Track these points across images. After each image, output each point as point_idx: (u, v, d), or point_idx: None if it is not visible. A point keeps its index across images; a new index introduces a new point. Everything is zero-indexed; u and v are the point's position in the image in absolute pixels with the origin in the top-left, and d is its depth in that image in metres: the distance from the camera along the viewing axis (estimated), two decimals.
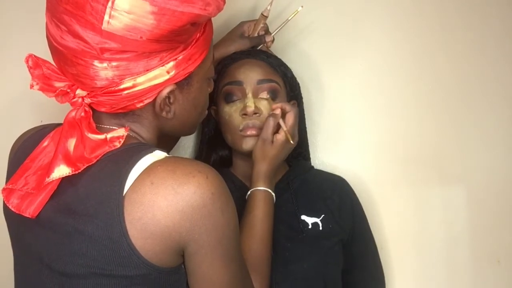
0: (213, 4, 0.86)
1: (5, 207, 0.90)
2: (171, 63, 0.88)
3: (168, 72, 0.88)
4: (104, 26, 0.81)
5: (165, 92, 0.89)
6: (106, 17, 0.80)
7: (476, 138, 1.49)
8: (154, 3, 0.81)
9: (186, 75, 0.91)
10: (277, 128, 1.16)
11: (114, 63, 0.84)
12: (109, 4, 0.80)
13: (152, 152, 0.87)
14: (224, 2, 0.90)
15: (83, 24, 0.81)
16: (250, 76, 1.22)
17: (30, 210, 0.86)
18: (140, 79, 0.86)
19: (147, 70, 0.86)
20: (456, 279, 1.48)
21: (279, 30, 1.36)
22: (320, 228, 1.21)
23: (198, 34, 0.91)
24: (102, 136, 0.87)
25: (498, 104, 1.49)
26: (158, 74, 0.87)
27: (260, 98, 1.22)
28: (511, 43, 1.50)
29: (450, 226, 1.48)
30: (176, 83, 0.90)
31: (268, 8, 1.31)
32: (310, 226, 1.21)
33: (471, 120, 1.49)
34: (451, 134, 1.49)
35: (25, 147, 0.96)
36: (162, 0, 0.81)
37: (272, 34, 1.34)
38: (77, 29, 0.82)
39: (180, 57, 0.89)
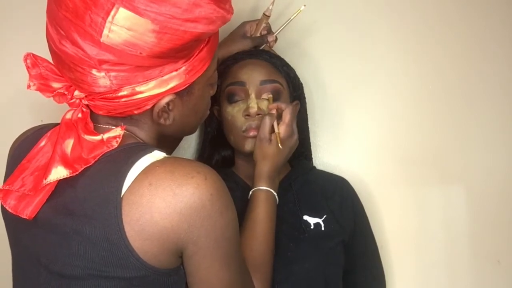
0: (218, 21, 0.82)
1: (3, 208, 0.87)
2: (172, 74, 0.84)
3: (168, 83, 0.84)
4: (103, 39, 0.77)
5: (164, 102, 0.86)
6: (105, 31, 0.77)
7: (476, 138, 1.47)
8: (155, 22, 0.77)
9: (187, 85, 0.87)
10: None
11: (112, 74, 0.80)
12: (109, 18, 0.76)
13: (150, 152, 0.84)
14: (232, 14, 0.85)
15: (82, 34, 0.78)
16: (253, 76, 1.20)
17: (28, 212, 0.83)
18: (139, 89, 0.83)
19: (147, 80, 0.82)
20: (456, 279, 1.45)
21: (282, 29, 1.33)
22: (322, 229, 1.18)
23: (202, 45, 0.87)
24: (98, 137, 0.84)
25: (498, 104, 1.47)
26: (158, 85, 0.83)
27: (263, 98, 1.19)
28: (511, 43, 1.47)
29: (450, 226, 1.46)
30: (175, 92, 0.86)
31: (270, 8, 1.28)
32: (312, 227, 1.18)
33: (471, 120, 1.47)
34: (451, 134, 1.47)
35: (22, 148, 0.93)
36: (164, 19, 0.77)
37: (275, 34, 1.30)
38: (76, 38, 0.78)
39: (182, 69, 0.85)
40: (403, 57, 1.46)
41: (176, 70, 0.84)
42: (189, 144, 1.45)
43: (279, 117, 1.15)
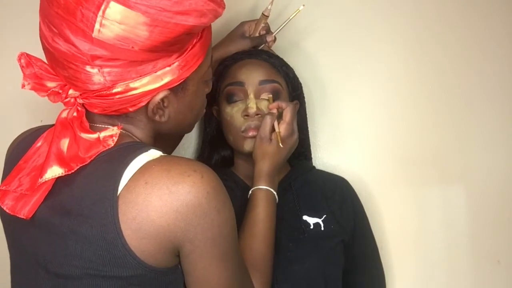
0: (209, 14, 0.82)
1: (0, 209, 0.86)
2: (165, 69, 0.83)
3: (162, 79, 0.83)
4: (95, 34, 0.77)
5: (158, 98, 0.85)
6: (97, 26, 0.76)
7: (476, 138, 1.46)
8: (146, 14, 0.76)
9: (181, 80, 0.86)
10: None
11: (105, 69, 0.80)
12: (100, 13, 0.75)
13: (147, 151, 0.83)
14: (224, 8, 0.84)
15: (74, 30, 0.77)
16: (252, 76, 1.19)
17: (25, 211, 0.83)
18: (133, 85, 0.82)
19: (140, 76, 0.82)
20: (456, 279, 1.44)
21: (281, 29, 1.32)
22: (322, 229, 1.17)
23: (195, 40, 0.87)
24: (95, 135, 0.83)
25: (498, 104, 1.46)
26: (151, 80, 0.83)
27: (262, 98, 1.18)
28: (511, 43, 1.46)
29: (450, 226, 1.45)
30: (170, 89, 0.86)
31: (269, 8, 1.27)
32: (311, 227, 1.17)
33: (471, 120, 1.46)
34: (451, 134, 1.46)
35: (19, 148, 0.93)
36: (154, 11, 0.76)
37: (274, 34, 1.29)
38: (68, 34, 0.78)
39: (175, 64, 0.84)
40: (403, 57, 1.45)
41: (169, 66, 0.83)
42: (189, 144, 1.44)
43: (279, 116, 1.14)
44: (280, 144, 1.10)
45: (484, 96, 1.45)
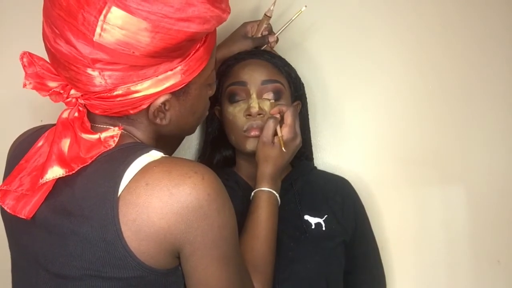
0: (212, 20, 0.80)
1: (1, 209, 0.87)
2: (168, 73, 0.82)
3: (163, 83, 0.82)
4: (96, 38, 0.75)
5: (159, 102, 0.84)
6: (98, 30, 0.75)
7: (476, 138, 1.45)
8: (148, 21, 0.75)
9: (183, 85, 0.85)
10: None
11: (106, 73, 0.79)
12: (101, 17, 0.74)
13: (148, 152, 0.82)
14: (229, 13, 0.82)
15: (75, 33, 0.76)
16: (254, 76, 1.18)
17: (25, 211, 0.82)
18: (134, 88, 0.81)
19: (142, 80, 0.81)
20: (456, 279, 1.43)
21: (283, 30, 1.31)
22: (323, 229, 1.16)
23: (199, 45, 0.85)
24: (95, 136, 0.82)
25: (498, 104, 1.45)
26: (153, 84, 0.82)
27: (264, 98, 1.17)
28: (511, 43, 1.45)
29: (450, 226, 1.44)
30: (171, 92, 0.84)
31: (271, 8, 1.26)
32: (313, 227, 1.16)
33: (471, 120, 1.45)
34: (451, 134, 1.45)
35: (21, 148, 0.92)
36: (156, 18, 0.75)
37: (276, 34, 1.29)
38: (70, 36, 0.77)
39: (178, 68, 0.83)
40: (403, 57, 1.44)
41: (172, 70, 0.82)
42: (189, 145, 1.43)
43: (282, 119, 1.13)
44: (283, 148, 1.09)
45: (484, 96, 1.44)
